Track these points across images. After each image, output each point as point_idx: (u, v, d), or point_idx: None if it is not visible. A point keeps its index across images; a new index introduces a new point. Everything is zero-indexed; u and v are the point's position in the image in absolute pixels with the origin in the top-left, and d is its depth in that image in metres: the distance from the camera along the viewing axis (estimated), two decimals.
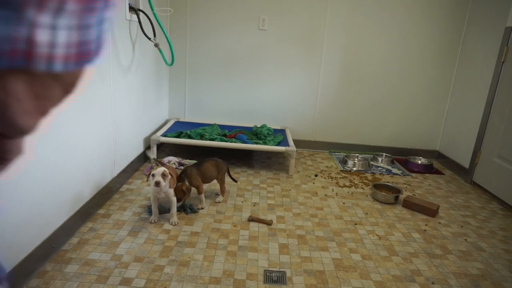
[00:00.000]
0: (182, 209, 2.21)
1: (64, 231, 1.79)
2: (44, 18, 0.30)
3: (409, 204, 2.49)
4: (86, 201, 2.03)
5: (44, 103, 0.34)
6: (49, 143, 1.64)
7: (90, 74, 1.97)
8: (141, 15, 2.61)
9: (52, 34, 0.31)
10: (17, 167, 1.42)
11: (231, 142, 3.03)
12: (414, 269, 1.80)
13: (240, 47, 3.52)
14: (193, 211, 2.20)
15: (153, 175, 1.93)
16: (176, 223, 2.05)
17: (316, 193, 2.67)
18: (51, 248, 1.69)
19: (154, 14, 2.73)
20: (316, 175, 3.04)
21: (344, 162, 3.40)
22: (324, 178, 3.00)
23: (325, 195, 2.64)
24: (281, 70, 3.58)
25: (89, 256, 1.72)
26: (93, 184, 2.11)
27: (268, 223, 2.12)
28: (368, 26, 3.45)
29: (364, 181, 2.98)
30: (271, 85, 3.63)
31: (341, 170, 3.21)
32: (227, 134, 3.25)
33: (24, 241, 1.50)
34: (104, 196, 2.25)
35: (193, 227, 2.02)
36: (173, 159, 2.92)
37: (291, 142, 3.13)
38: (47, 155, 1.63)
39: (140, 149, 2.90)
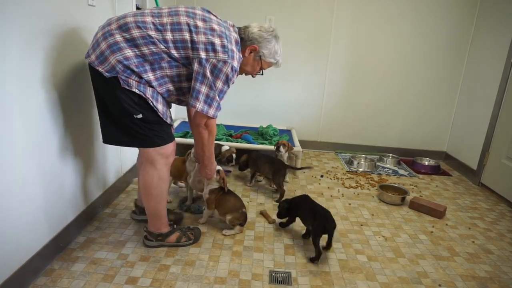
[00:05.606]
0: (189, 209, 2.22)
1: (71, 230, 1.81)
2: None
3: (415, 206, 2.47)
4: (93, 201, 2.05)
5: None
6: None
7: None
8: None
9: None
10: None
11: (237, 142, 3.03)
12: (421, 271, 1.79)
13: None
14: (199, 211, 2.21)
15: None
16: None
17: (322, 193, 2.66)
18: (59, 246, 1.71)
19: None
20: (322, 176, 3.03)
21: (350, 162, 3.38)
22: (330, 178, 2.99)
23: (331, 195, 2.63)
24: (288, 71, 3.57)
25: (95, 255, 1.73)
26: (100, 183, 2.13)
27: (271, 221, 2.17)
28: (375, 26, 3.43)
29: (370, 182, 2.97)
30: (277, 86, 3.62)
31: (347, 171, 3.20)
32: (233, 134, 3.26)
33: (33, 239, 1.52)
34: (111, 195, 2.26)
35: (199, 226, 2.03)
36: None
37: (297, 143, 3.13)
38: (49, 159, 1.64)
39: None
